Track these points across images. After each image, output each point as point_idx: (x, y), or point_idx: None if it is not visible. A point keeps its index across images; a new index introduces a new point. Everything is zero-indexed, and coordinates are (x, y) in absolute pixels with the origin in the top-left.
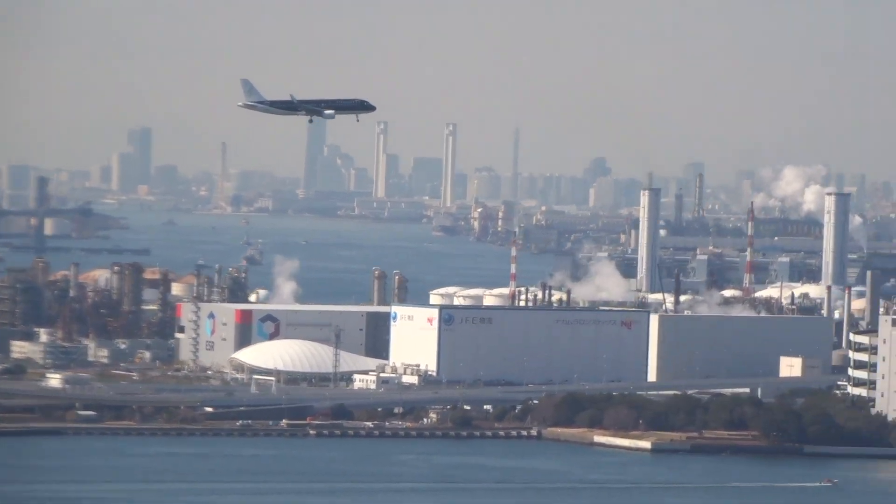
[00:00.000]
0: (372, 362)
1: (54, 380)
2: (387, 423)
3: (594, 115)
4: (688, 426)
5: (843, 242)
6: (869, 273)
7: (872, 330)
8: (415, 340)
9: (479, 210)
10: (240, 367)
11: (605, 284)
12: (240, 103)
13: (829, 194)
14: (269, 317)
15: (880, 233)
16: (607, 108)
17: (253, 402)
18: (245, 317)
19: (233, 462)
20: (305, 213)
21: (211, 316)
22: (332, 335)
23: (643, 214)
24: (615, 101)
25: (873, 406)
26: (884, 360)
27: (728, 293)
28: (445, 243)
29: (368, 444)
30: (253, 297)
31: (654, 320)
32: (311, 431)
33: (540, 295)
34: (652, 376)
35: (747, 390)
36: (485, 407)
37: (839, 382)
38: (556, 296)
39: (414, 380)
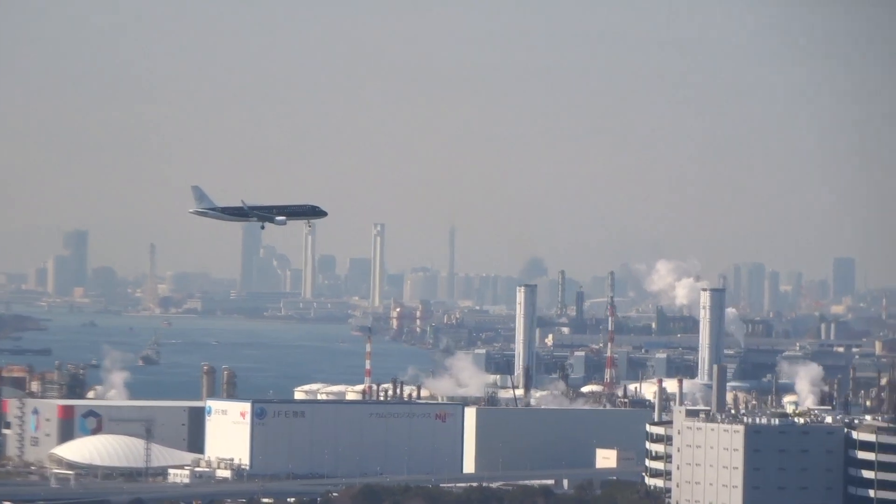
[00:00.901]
0: (189, 457)
1: None
2: None
3: (526, 215)
4: None
5: (719, 338)
6: (715, 367)
7: (668, 421)
8: (229, 434)
9: (398, 310)
10: (59, 462)
11: (463, 379)
12: (191, 209)
13: (704, 290)
14: (91, 412)
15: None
16: (538, 208)
17: (50, 497)
18: (67, 412)
19: None
20: (234, 313)
21: (35, 412)
22: (154, 430)
23: (519, 311)
24: (543, 201)
25: (669, 496)
26: (678, 451)
27: (589, 388)
28: (360, 342)
29: None
30: (91, 394)
31: (471, 413)
32: None
33: (391, 390)
34: (470, 468)
35: (552, 482)
36: (288, 500)
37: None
38: (406, 391)
39: (227, 474)
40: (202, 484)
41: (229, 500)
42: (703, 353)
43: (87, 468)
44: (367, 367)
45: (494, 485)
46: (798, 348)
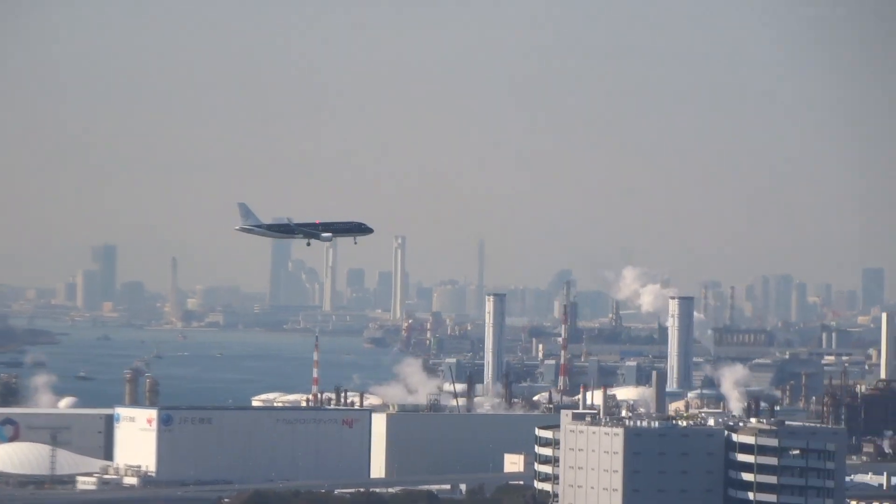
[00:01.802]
0: (99, 464)
1: None
2: None
3: (557, 227)
4: None
5: (688, 346)
6: (654, 373)
7: (556, 425)
8: (136, 441)
9: (409, 322)
10: None
11: (412, 385)
12: (236, 227)
13: (673, 298)
14: (8, 420)
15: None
16: (568, 220)
17: None
18: None
19: None
20: (256, 327)
21: None
22: (72, 437)
23: (488, 320)
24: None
25: (557, 500)
26: (563, 454)
27: (539, 396)
28: (368, 355)
29: None
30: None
31: (381, 419)
32: None
33: (334, 398)
34: (380, 473)
35: (448, 487)
36: None
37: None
38: (352, 398)
39: (134, 481)
40: (95, 491)
41: None
42: (672, 361)
43: None
44: (315, 375)
45: (395, 489)
46: (777, 356)
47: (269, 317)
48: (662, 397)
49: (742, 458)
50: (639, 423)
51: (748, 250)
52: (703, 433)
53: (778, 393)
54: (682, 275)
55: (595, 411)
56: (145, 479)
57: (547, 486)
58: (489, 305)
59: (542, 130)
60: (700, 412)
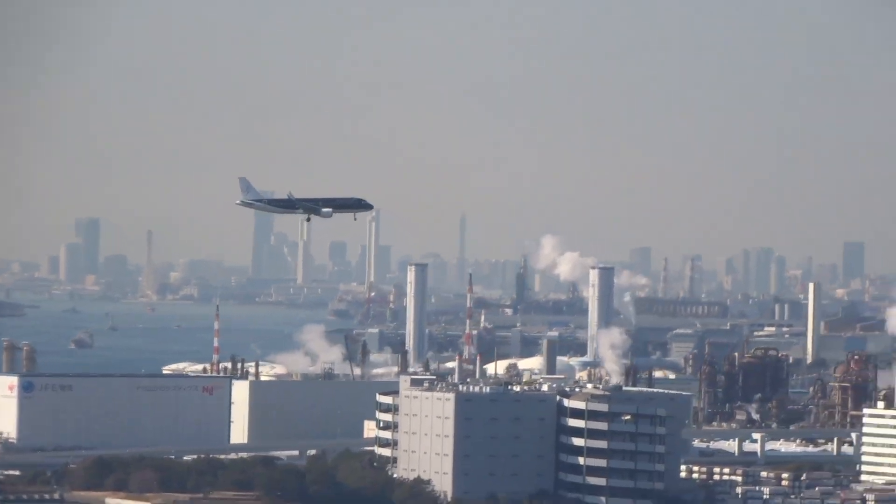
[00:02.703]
0: None
1: None
2: None
3: (535, 201)
4: (204, 487)
5: (609, 317)
6: (545, 341)
7: (395, 391)
8: None
9: (371, 294)
10: None
11: (312, 352)
12: (238, 201)
13: (594, 268)
14: None
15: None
16: (545, 194)
17: None
18: None
19: None
20: (230, 300)
21: None
22: None
23: (410, 290)
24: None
25: (395, 465)
26: (401, 420)
27: (451, 364)
28: (328, 326)
29: None
30: None
31: (244, 386)
32: None
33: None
34: (243, 440)
35: (296, 452)
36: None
37: None
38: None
39: None
40: None
41: None
42: (592, 331)
43: None
44: (216, 344)
45: (238, 455)
46: (699, 327)
47: (245, 290)
48: (552, 365)
49: (573, 423)
50: (472, 388)
51: (730, 224)
52: (534, 398)
53: (681, 362)
54: (668, 245)
55: (434, 377)
56: (6, 444)
57: (387, 452)
58: (410, 275)
59: (521, 105)
60: (539, 378)
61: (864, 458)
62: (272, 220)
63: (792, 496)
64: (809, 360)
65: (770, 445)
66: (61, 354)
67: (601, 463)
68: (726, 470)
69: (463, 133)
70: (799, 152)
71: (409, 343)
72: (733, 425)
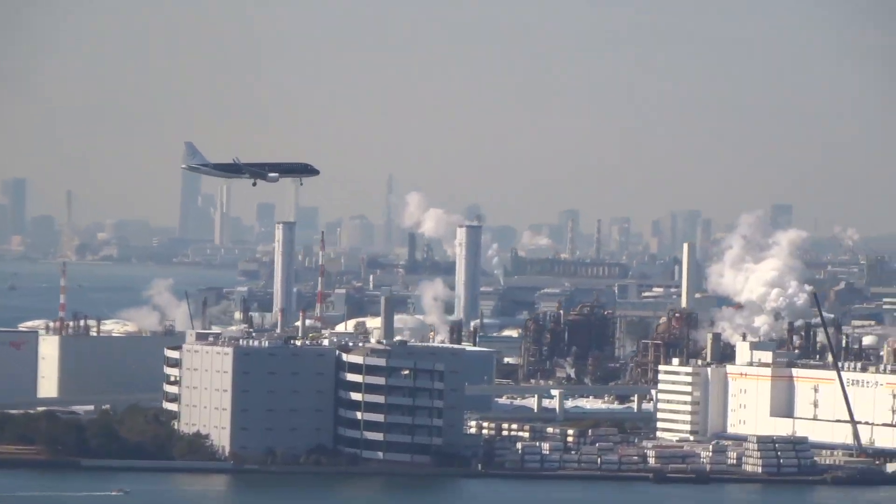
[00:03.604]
0: None
1: None
2: None
3: (467, 163)
4: None
5: (476, 275)
6: (383, 299)
7: (180, 346)
8: None
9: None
10: None
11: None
12: (183, 165)
13: (461, 226)
14: None
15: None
16: (478, 156)
17: None
18: None
19: None
20: (148, 261)
21: None
22: None
23: (278, 249)
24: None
25: (178, 420)
26: (184, 375)
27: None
28: (237, 285)
29: None
30: None
31: (54, 341)
32: None
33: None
34: (53, 394)
35: (91, 407)
36: None
37: None
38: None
39: None
40: None
41: None
42: (459, 290)
43: None
44: (62, 301)
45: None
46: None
47: (165, 250)
48: (390, 324)
49: (351, 377)
50: (252, 342)
51: (660, 186)
52: (313, 353)
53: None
54: (593, 209)
55: (218, 332)
56: None
57: (173, 407)
58: (278, 234)
59: (450, 68)
60: (323, 333)
61: (659, 415)
62: (199, 180)
63: (572, 451)
64: None
65: (578, 402)
66: None
67: (379, 418)
68: (514, 426)
69: (395, 97)
70: (728, 114)
71: (277, 302)
72: (550, 382)
